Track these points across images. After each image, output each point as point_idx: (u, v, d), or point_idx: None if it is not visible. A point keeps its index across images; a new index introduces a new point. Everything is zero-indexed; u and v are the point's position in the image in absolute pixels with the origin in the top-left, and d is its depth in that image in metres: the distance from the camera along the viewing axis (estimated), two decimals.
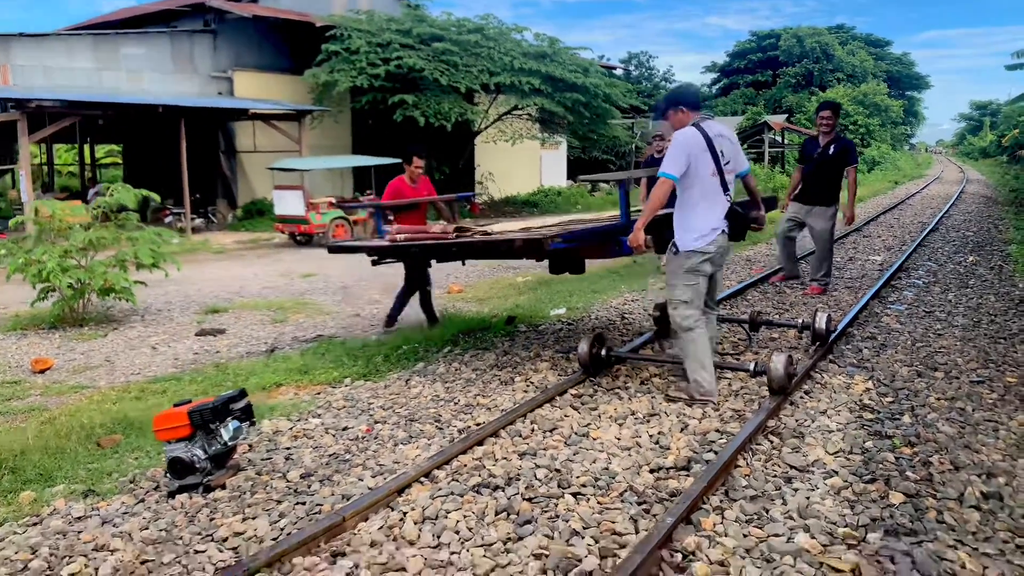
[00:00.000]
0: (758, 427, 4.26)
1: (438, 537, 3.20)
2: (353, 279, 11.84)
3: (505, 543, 3.16)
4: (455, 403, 5.06)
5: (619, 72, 31.68)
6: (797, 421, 4.50)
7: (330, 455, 4.25)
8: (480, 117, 22.60)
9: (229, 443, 3.77)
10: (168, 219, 20.09)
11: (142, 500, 3.77)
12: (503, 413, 4.68)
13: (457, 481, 3.74)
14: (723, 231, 4.78)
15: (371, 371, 6.27)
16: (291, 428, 4.82)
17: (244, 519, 3.43)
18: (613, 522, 3.29)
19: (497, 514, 3.39)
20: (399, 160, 19.66)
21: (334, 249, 6.61)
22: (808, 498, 3.53)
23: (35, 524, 3.62)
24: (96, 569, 3.07)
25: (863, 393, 5.01)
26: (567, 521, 3.31)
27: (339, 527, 3.26)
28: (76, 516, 3.64)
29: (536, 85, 20.72)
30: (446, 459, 3.95)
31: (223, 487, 3.78)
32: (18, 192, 19.00)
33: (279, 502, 3.60)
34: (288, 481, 3.87)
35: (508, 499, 3.53)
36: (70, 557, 3.18)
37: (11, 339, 8.33)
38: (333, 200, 17.82)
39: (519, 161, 28.11)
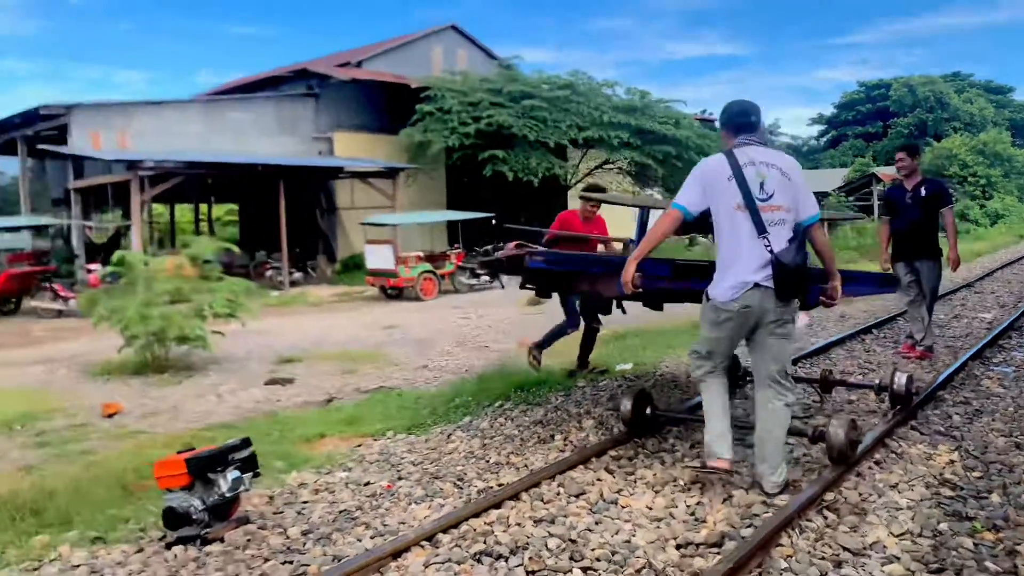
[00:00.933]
0: (810, 500, 3.75)
1: None
2: (432, 332, 11.77)
3: None
4: (485, 460, 4.76)
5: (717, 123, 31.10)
6: (861, 495, 3.96)
7: (340, 511, 4.02)
8: (570, 171, 22.57)
9: (227, 494, 3.61)
10: (268, 273, 20.84)
11: (141, 550, 3.64)
12: (529, 473, 4.33)
13: (459, 547, 3.43)
14: (758, 286, 3.79)
15: (416, 424, 6.06)
16: (316, 481, 4.65)
17: None
18: None
19: None
20: (488, 215, 19.84)
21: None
22: None
23: (35, 570, 3.54)
24: None
25: (946, 466, 4.39)
26: None
27: None
28: (74, 564, 3.54)
29: (625, 139, 20.57)
30: (453, 522, 3.64)
31: (221, 540, 3.61)
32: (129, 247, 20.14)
33: (266, 560, 3.38)
34: (287, 538, 3.66)
35: (509, 570, 3.19)
36: None
37: (96, 384, 8.62)
38: (421, 255, 18.02)
39: (614, 214, 27.73)
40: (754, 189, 3.79)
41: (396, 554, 3.33)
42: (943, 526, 3.58)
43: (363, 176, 21.38)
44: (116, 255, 9.97)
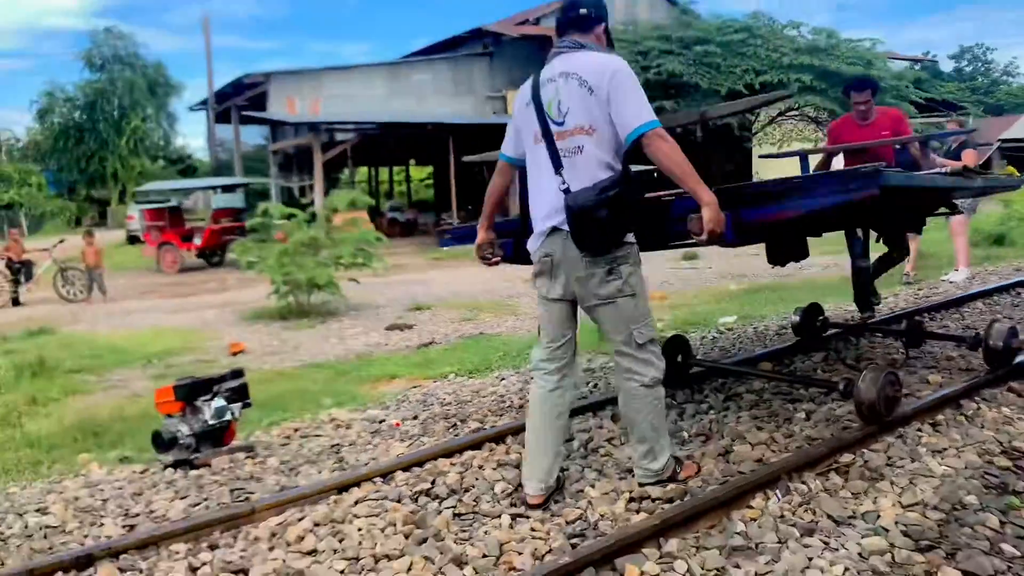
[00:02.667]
0: (811, 460, 3.25)
1: (338, 546, 2.83)
2: None
3: (401, 555, 2.71)
4: (509, 404, 4.61)
5: (906, 64, 27.72)
6: (889, 459, 3.36)
7: (332, 445, 4.06)
8: (752, 120, 21.19)
9: (210, 421, 3.75)
10: (438, 230, 21.63)
11: (146, 471, 3.89)
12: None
13: (407, 485, 3.33)
14: (556, 230, 2.96)
15: (482, 368, 6.03)
16: (344, 417, 4.74)
17: (176, 498, 3.36)
18: (520, 553, 2.68)
19: (406, 523, 2.93)
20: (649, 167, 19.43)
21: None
22: (810, 561, 2.58)
23: (59, 482, 3.90)
24: (27, 524, 3.19)
25: (1022, 434, 3.63)
26: (480, 541, 2.76)
27: (245, 518, 3.05)
28: (92, 481, 3.84)
29: (807, 82, 18.90)
30: (416, 460, 3.55)
31: (208, 466, 3.77)
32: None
33: (222, 485, 3.49)
34: (263, 467, 3.75)
35: (438, 511, 3.05)
36: (20, 514, 3.34)
37: (242, 326, 9.39)
38: None
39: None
40: (552, 112, 2.93)
41: (343, 488, 3.30)
42: (971, 499, 2.96)
43: None
44: (260, 208, 10.74)
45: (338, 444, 4.07)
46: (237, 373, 4.00)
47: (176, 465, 3.76)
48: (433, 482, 3.33)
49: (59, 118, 48.96)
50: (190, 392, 3.77)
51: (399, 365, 6.45)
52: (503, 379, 5.46)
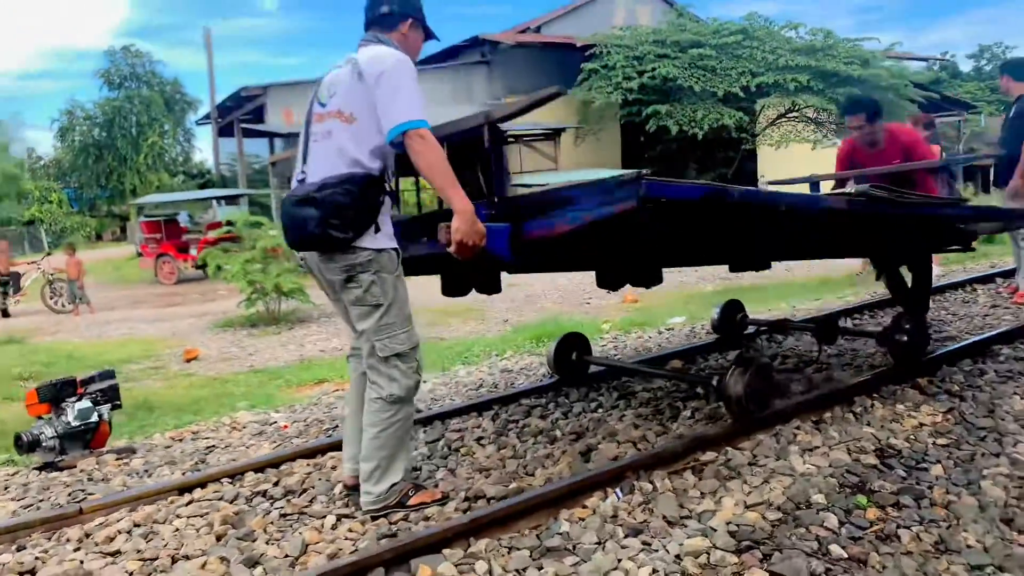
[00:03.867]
0: (665, 458, 3.10)
1: (143, 546, 2.73)
2: (550, 289, 11.44)
3: (200, 555, 2.61)
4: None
5: (914, 64, 27.22)
6: (755, 456, 3.21)
7: (209, 447, 3.98)
8: (744, 121, 20.90)
9: (74, 423, 3.68)
10: None
11: (17, 472, 3.82)
12: None
13: (247, 487, 3.23)
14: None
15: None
16: (244, 420, 4.67)
17: (12, 500, 3.29)
18: (319, 553, 2.56)
19: (224, 523, 2.83)
20: (646, 171, 19.41)
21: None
22: (618, 563, 2.43)
23: None
24: None
25: (915, 430, 3.45)
26: (288, 541, 2.65)
27: (71, 519, 2.97)
28: None
29: (803, 82, 18.64)
30: (269, 463, 3.45)
31: (74, 467, 3.70)
32: None
33: (68, 487, 3.41)
34: (123, 468, 3.67)
35: (268, 512, 2.95)
36: None
37: (210, 334, 9.39)
38: None
39: (814, 167, 25.37)
40: (321, 95, 2.81)
41: (185, 488, 3.21)
42: (819, 498, 2.80)
43: (525, 139, 21.33)
44: (226, 217, 10.74)
45: (214, 446, 3.99)
46: (106, 375, 3.92)
47: (42, 468, 3.70)
48: (277, 483, 3.23)
49: (79, 136, 49.88)
50: (54, 394, 3.70)
51: (336, 370, 6.38)
52: (426, 382, 5.35)
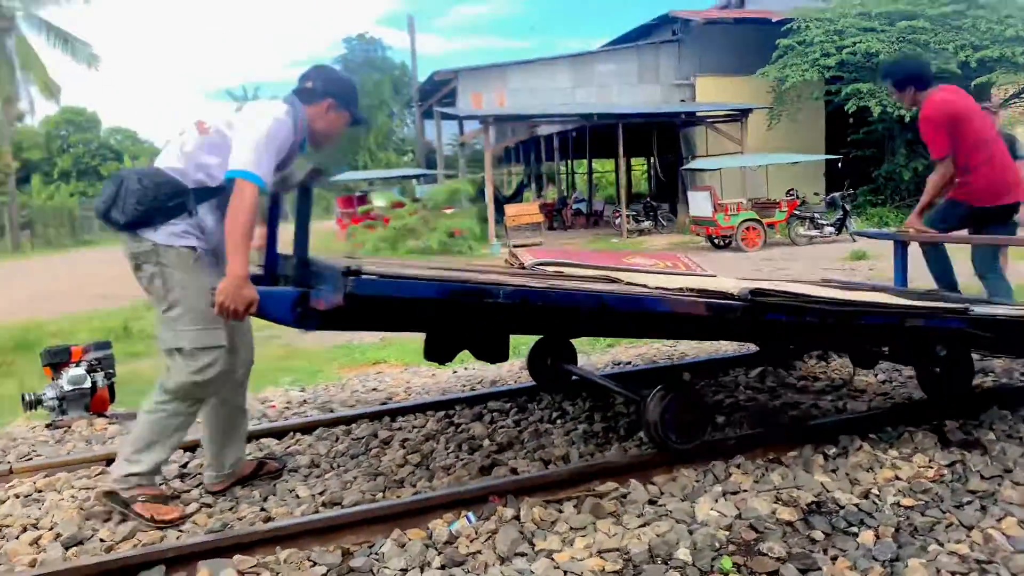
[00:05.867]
0: (547, 483, 2.79)
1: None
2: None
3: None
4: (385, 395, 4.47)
5: None
6: (661, 493, 2.79)
7: None
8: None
9: (66, 387, 4.02)
10: (618, 220, 21.23)
11: (35, 428, 4.25)
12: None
13: (172, 464, 3.34)
14: None
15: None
16: (268, 394, 4.85)
17: None
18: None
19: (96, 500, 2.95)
20: (836, 156, 17.71)
21: None
22: None
23: None
24: None
25: (885, 484, 2.83)
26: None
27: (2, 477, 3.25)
28: None
29: None
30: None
31: (69, 428, 4.04)
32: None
33: (34, 447, 3.72)
34: (104, 434, 3.94)
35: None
36: None
37: None
38: (743, 202, 16.61)
39: None
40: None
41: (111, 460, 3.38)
42: (683, 553, 2.38)
43: (709, 121, 20.32)
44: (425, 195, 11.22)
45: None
46: (103, 345, 4.24)
47: (48, 425, 4.09)
48: (185, 464, 3.33)
49: None
50: (51, 360, 4.07)
51: (398, 352, 6.44)
52: (456, 372, 5.26)
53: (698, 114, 20.42)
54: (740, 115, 19.94)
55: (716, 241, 16.56)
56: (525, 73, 22.80)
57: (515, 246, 19.53)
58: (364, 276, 2.34)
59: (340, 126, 2.99)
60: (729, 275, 4.73)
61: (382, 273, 2.46)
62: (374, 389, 4.70)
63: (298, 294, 2.56)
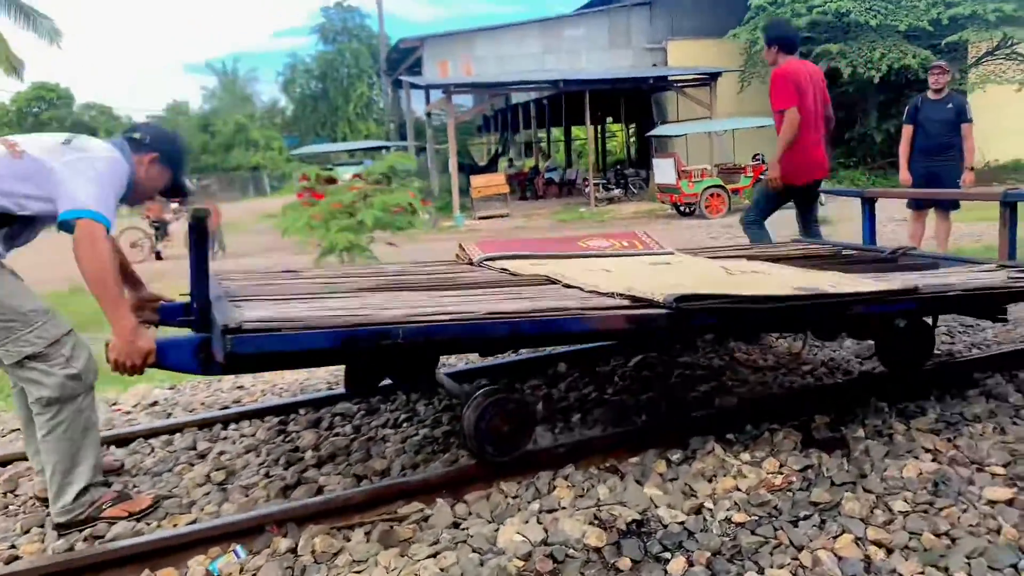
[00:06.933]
0: (337, 507, 2.47)
1: None
2: None
3: None
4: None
5: None
6: (469, 514, 2.48)
7: None
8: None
9: None
10: (587, 189, 20.84)
11: None
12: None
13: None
14: None
15: None
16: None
17: None
18: None
19: None
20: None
21: None
22: None
23: None
24: None
25: (723, 495, 2.52)
26: None
27: None
28: None
29: (1008, 12, 15.59)
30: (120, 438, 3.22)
31: None
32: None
33: None
34: None
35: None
36: None
37: None
38: (707, 168, 16.23)
39: None
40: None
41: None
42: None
43: (678, 85, 19.82)
44: (309, 172, 10.80)
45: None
46: None
47: None
48: None
49: (299, 88, 54.18)
50: None
51: None
52: None
53: (669, 78, 19.89)
54: (709, 79, 19.48)
55: (681, 208, 16.24)
56: (492, 40, 22.23)
57: (480, 217, 19.22)
58: (244, 334, 2.16)
59: (159, 183, 2.82)
60: (687, 247, 4.67)
61: (265, 327, 2.22)
62: (239, 387, 4.35)
63: (199, 340, 2.38)
